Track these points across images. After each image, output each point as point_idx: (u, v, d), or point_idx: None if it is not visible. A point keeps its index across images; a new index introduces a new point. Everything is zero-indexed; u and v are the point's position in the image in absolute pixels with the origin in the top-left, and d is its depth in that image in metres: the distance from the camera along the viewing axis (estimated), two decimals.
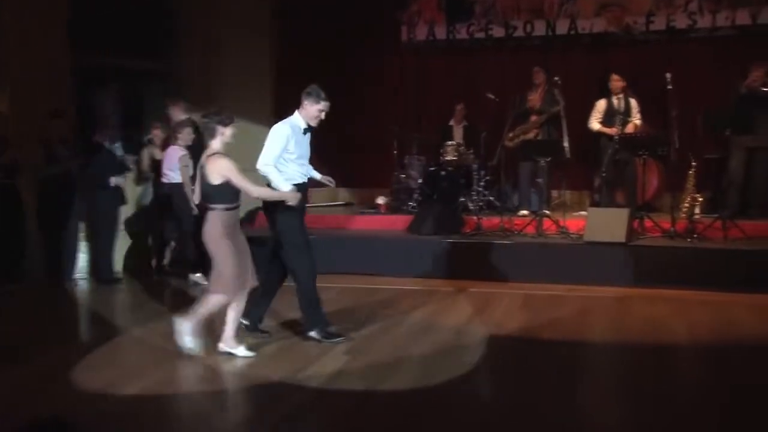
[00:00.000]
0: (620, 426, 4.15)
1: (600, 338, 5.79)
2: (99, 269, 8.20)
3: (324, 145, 11.39)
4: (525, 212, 9.17)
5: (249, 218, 9.79)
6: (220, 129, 5.12)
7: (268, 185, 5.46)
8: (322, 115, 5.57)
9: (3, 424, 4.07)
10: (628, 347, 5.56)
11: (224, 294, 5.15)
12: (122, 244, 8.68)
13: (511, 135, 9.37)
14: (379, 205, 9.81)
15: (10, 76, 8.04)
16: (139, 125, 9.44)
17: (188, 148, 7.91)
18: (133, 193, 8.75)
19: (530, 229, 8.46)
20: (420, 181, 9.60)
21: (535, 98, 9.46)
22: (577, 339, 5.56)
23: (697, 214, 8.48)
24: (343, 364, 5.10)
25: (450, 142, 9.77)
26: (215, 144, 5.15)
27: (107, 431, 4.08)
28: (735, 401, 4.46)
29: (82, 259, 8.36)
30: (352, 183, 10.84)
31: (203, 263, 7.92)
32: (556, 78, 8.96)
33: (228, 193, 5.10)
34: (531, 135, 9.38)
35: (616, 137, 8.72)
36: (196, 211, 7.11)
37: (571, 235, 8.14)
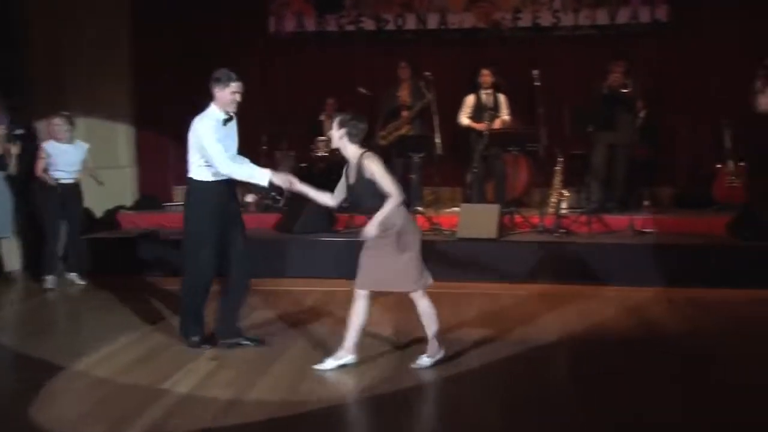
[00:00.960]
0: (485, 418, 4.18)
1: (471, 333, 5.78)
2: None
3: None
4: None
5: (110, 218, 9.29)
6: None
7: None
8: (238, 97, 5.21)
9: None
10: (499, 341, 5.58)
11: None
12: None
13: (383, 132, 9.26)
14: (248, 203, 9.49)
15: None
16: None
17: None
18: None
19: None
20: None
21: (403, 94, 9.40)
22: (449, 334, 5.50)
23: (564, 209, 8.67)
24: (213, 368, 4.95)
25: (321, 138, 9.57)
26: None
27: None
28: (597, 390, 4.61)
29: None
30: None
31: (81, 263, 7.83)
32: (427, 73, 8.93)
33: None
34: (403, 131, 9.31)
35: (485, 133, 8.78)
36: None
37: (444, 232, 8.13)
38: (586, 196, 8.96)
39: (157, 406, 4.31)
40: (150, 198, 10.04)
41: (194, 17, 10.50)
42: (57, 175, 7.53)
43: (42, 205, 7.65)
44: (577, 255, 7.62)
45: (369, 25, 10.57)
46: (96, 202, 9.39)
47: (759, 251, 7.38)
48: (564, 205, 8.77)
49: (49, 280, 7.55)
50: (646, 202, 9.38)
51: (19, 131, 8.02)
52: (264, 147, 9.66)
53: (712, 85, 9.91)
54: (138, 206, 9.83)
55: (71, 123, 7.68)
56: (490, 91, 9.19)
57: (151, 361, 5.19)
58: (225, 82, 5.15)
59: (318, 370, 4.92)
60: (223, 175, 5.19)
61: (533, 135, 8.31)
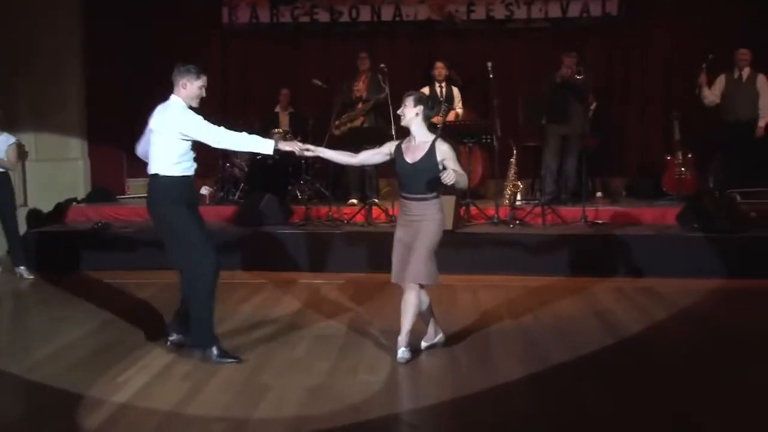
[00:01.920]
0: (437, 407, 4.23)
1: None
2: None
3: (143, 134, 10.87)
4: (354, 201, 9.11)
5: (59, 211, 9.12)
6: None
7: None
8: (203, 92, 5.02)
9: None
10: (453, 332, 5.61)
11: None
12: None
13: (337, 123, 9.26)
14: (203, 195, 9.40)
15: None
16: None
17: None
18: None
19: (359, 218, 8.43)
20: (246, 170, 9.29)
21: (360, 86, 9.40)
22: (397, 326, 5.51)
23: (518, 200, 8.80)
24: (164, 367, 4.85)
25: (276, 130, 9.52)
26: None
27: None
28: (550, 378, 4.70)
29: None
30: None
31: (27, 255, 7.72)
32: (382, 65, 8.95)
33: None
34: (357, 123, 9.31)
35: (439, 125, 8.84)
36: None
37: None
38: (539, 187, 9.11)
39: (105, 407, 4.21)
40: (103, 190, 9.86)
41: (148, 7, 10.38)
42: None
43: None
44: (532, 246, 7.72)
45: (323, 17, 10.56)
46: (47, 195, 9.26)
47: (707, 241, 7.56)
48: (519, 196, 8.92)
49: None
50: (598, 194, 9.60)
51: None
52: None
53: (660, 78, 10.17)
54: (90, 199, 9.65)
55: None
56: (444, 83, 9.26)
57: (100, 358, 5.07)
58: (195, 74, 4.94)
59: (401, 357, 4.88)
60: (189, 170, 4.97)
61: (488, 127, 8.39)
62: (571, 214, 8.38)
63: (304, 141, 9.13)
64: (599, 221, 8.27)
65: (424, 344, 5.16)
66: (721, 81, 8.80)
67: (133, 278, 7.45)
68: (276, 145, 5.01)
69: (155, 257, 7.63)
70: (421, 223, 4.87)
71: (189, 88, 4.96)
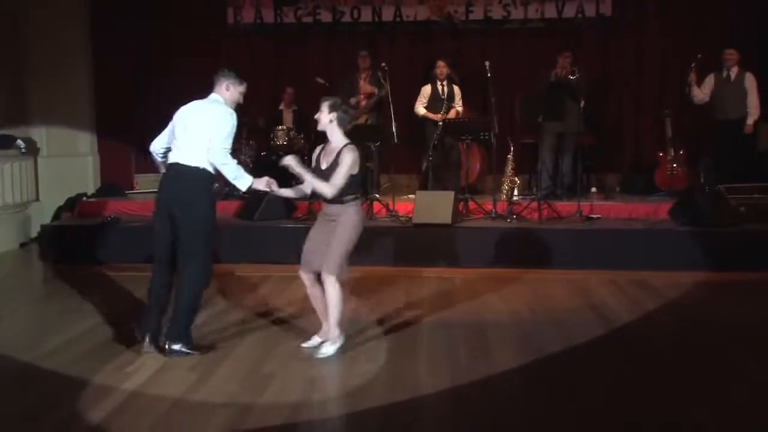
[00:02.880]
0: (439, 398, 4.34)
1: (426, 316, 5.99)
2: None
3: (151, 130, 11.08)
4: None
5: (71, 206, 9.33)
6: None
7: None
8: (242, 99, 5.19)
9: None
10: (452, 324, 5.79)
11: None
12: None
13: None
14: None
15: None
16: None
17: None
18: None
19: None
20: (251, 166, 9.49)
21: (362, 83, 9.60)
22: (405, 317, 5.71)
23: (515, 196, 9.00)
24: (171, 358, 4.95)
25: (280, 127, 9.73)
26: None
27: None
28: (546, 367, 4.85)
29: None
30: None
31: None
32: (383, 64, 9.15)
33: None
34: (360, 120, 9.52)
35: (440, 122, 9.05)
36: None
37: (401, 218, 8.35)
38: (536, 183, 9.31)
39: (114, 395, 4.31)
40: (112, 186, 10.04)
41: (154, 7, 10.56)
42: None
43: None
44: (528, 240, 7.89)
45: (326, 17, 10.77)
46: (58, 190, 9.47)
47: (698, 235, 7.73)
48: (516, 192, 9.12)
49: None
50: (593, 189, 9.78)
51: None
52: None
53: (653, 76, 10.39)
54: (100, 194, 9.83)
55: None
56: (445, 82, 9.46)
57: (109, 349, 5.17)
58: (239, 80, 5.12)
59: (305, 347, 5.09)
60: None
61: (486, 124, 8.56)
62: (567, 209, 8.51)
63: (307, 138, 9.44)
64: (594, 216, 8.41)
65: (318, 339, 5.15)
66: (710, 80, 8.98)
67: (142, 271, 7.56)
68: (251, 184, 5.04)
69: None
70: (338, 224, 4.95)
71: (232, 90, 5.11)
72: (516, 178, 9.15)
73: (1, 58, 9.09)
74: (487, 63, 8.57)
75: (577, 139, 8.99)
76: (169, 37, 10.57)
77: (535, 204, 8.45)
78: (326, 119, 4.99)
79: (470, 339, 5.43)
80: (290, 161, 5.00)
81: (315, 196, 5.25)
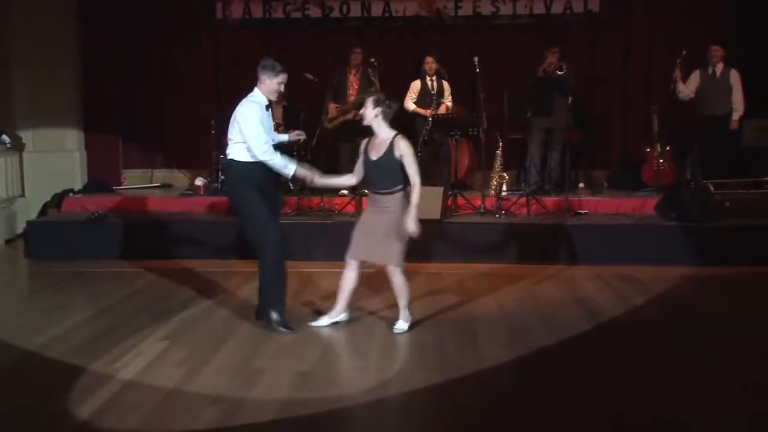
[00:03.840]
0: (429, 391, 4.38)
1: (415, 311, 5.91)
2: None
3: (139, 125, 11.07)
4: (345, 192, 9.31)
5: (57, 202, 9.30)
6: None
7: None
8: (282, 88, 5.44)
9: None
10: (441, 319, 5.84)
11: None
12: None
13: (330, 116, 9.47)
14: (198, 187, 9.59)
15: None
16: None
17: None
18: None
19: (350, 209, 8.62)
20: None
21: (353, 79, 9.60)
22: (393, 312, 5.69)
23: (504, 191, 9.03)
24: (159, 354, 4.98)
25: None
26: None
27: None
28: (534, 361, 4.90)
29: None
30: (169, 164, 10.60)
31: None
32: (372, 60, 9.16)
33: None
34: (350, 116, 9.51)
35: (430, 118, 9.07)
36: None
37: None
38: (524, 178, 9.35)
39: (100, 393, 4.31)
40: (99, 181, 9.99)
41: (143, 3, 10.51)
42: None
43: None
44: (517, 235, 7.95)
45: (314, 12, 10.74)
46: (44, 186, 9.43)
47: (684, 230, 7.82)
48: (504, 187, 9.15)
49: None
50: (581, 185, 9.83)
51: None
52: (213, 132, 9.78)
53: (640, 72, 10.44)
54: (87, 190, 9.79)
55: None
56: (434, 77, 9.48)
57: (96, 345, 5.15)
58: (274, 71, 5.34)
59: (314, 326, 5.44)
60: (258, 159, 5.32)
61: (475, 120, 8.60)
62: (555, 205, 8.59)
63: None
64: (582, 211, 8.48)
65: (326, 319, 5.53)
66: (695, 76, 9.06)
67: (129, 267, 7.59)
68: (295, 170, 5.42)
69: (152, 246, 7.96)
70: (392, 217, 5.21)
71: (267, 83, 5.37)
72: (504, 174, 9.18)
73: None
74: (476, 59, 8.61)
75: (565, 134, 9.03)
76: (158, 32, 10.52)
77: (523, 199, 8.50)
78: (371, 114, 5.25)
79: (459, 333, 5.48)
80: (303, 173, 5.43)
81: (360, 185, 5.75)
